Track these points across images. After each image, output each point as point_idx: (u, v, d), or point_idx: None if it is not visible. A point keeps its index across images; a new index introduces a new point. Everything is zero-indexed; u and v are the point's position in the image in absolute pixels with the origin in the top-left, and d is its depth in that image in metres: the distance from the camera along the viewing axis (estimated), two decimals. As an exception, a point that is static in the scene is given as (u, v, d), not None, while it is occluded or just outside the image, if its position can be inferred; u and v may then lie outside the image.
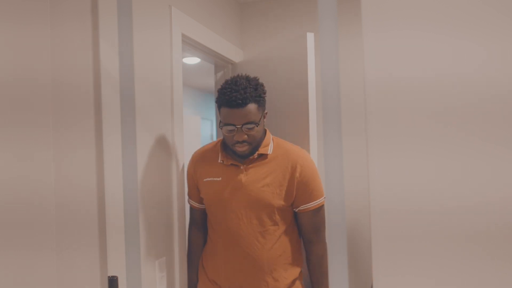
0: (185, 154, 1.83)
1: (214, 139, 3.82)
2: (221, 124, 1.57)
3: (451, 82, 0.79)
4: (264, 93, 1.61)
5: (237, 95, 1.51)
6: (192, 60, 4.44)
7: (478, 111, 0.78)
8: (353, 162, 1.83)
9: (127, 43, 1.02)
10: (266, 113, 1.65)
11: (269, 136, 1.67)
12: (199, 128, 5.69)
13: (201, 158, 1.73)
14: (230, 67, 2.58)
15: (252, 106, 1.53)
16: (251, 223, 1.59)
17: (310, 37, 1.93)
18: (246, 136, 1.54)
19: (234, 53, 2.53)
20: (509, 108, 0.77)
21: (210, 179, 1.66)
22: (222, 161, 1.64)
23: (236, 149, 1.57)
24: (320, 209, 1.62)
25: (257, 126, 1.55)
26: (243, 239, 1.60)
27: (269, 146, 1.64)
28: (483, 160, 0.78)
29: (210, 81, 4.20)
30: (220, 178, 1.64)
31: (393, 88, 0.82)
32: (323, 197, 1.63)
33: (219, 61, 2.50)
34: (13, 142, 1.26)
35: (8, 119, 1.25)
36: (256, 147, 1.60)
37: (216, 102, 1.58)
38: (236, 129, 1.54)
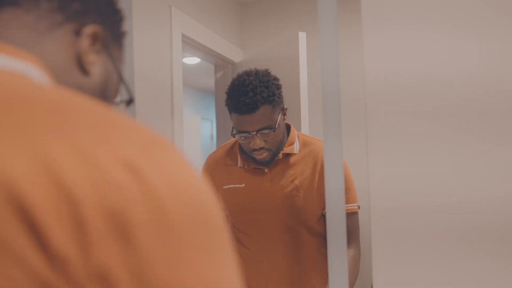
0: (185, 154, 1.82)
1: (214, 139, 3.82)
2: (234, 131, 1.38)
3: (450, 82, 0.79)
4: (279, 89, 1.39)
5: (246, 99, 1.29)
6: (192, 60, 4.44)
7: (477, 110, 0.78)
8: (353, 161, 1.83)
9: (127, 43, 1.02)
10: (286, 109, 1.43)
11: (293, 133, 1.46)
12: (199, 128, 5.70)
13: (217, 163, 1.53)
14: (230, 67, 2.58)
15: (265, 109, 1.31)
16: (282, 233, 1.42)
17: (302, 36, 1.93)
18: (263, 142, 1.34)
19: (234, 53, 2.53)
20: (508, 107, 0.77)
21: (231, 186, 1.47)
22: (243, 165, 1.46)
23: (254, 156, 1.39)
24: (351, 216, 1.42)
25: (274, 131, 1.34)
26: (274, 250, 1.42)
27: (295, 144, 1.44)
28: (482, 159, 0.78)
29: (210, 81, 4.20)
30: (243, 185, 1.45)
31: (393, 88, 0.82)
32: (355, 204, 1.45)
33: (219, 61, 2.50)
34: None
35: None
36: (278, 152, 1.40)
37: (226, 106, 1.39)
38: (250, 136, 1.34)
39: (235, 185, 1.46)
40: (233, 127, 1.38)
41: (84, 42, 0.48)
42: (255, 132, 1.33)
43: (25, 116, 0.32)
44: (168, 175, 0.33)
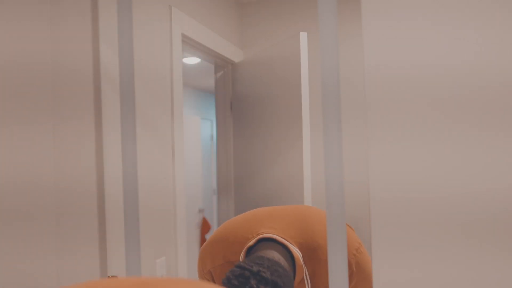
0: (185, 154, 1.83)
1: (214, 139, 3.83)
2: None
3: (451, 72, 0.79)
4: None
5: None
6: (192, 60, 4.43)
7: (477, 101, 0.78)
8: (353, 156, 1.83)
9: (127, 43, 1.03)
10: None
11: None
12: (199, 128, 5.68)
13: None
14: (230, 67, 2.59)
15: None
16: None
17: (303, 36, 1.93)
18: None
19: (234, 53, 2.53)
20: (510, 99, 0.77)
21: None
22: None
23: None
24: None
25: None
26: None
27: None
28: (481, 150, 0.78)
29: (210, 81, 4.19)
30: None
31: (393, 79, 0.81)
32: None
33: (219, 61, 2.50)
34: (14, 134, 1.26)
35: (10, 112, 1.25)
36: None
37: None
38: None
39: None
40: None
41: None
42: None
43: None
44: None
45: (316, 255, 1.22)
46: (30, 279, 1.28)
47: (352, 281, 1.24)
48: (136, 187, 1.09)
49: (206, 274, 1.42)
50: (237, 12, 2.73)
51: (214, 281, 1.36)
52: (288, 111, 2.07)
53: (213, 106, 2.92)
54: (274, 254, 1.15)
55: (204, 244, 1.51)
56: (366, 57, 0.81)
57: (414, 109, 0.81)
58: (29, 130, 1.29)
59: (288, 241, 1.22)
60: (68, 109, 1.35)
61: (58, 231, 1.35)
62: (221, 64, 2.62)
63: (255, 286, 1.01)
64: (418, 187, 0.80)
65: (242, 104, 2.51)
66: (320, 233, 1.22)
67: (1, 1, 1.23)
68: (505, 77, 0.77)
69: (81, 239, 1.35)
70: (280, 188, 1.91)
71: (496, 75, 0.77)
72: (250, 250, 1.27)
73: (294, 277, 1.17)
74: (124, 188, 1.08)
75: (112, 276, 1.35)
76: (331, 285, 0.81)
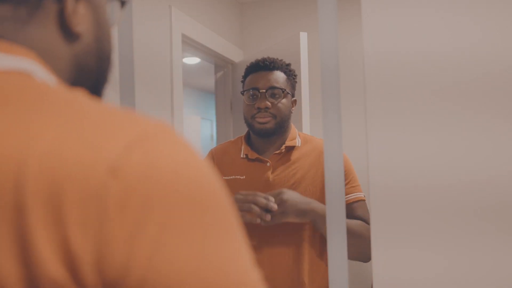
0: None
1: (214, 139, 3.83)
2: (243, 91, 1.43)
3: (449, 58, 0.79)
4: (295, 77, 1.46)
5: (266, 60, 1.40)
6: (192, 60, 4.44)
7: (477, 86, 0.78)
8: (352, 141, 1.83)
9: (127, 43, 1.03)
10: (295, 101, 1.46)
11: (294, 130, 1.47)
12: (199, 128, 5.70)
13: (221, 153, 1.51)
14: (230, 67, 2.59)
15: (280, 74, 1.39)
16: (281, 230, 1.33)
17: (303, 36, 1.94)
18: (269, 103, 1.34)
19: (234, 53, 2.54)
20: (508, 83, 0.77)
21: (232, 177, 1.43)
22: (246, 155, 1.43)
23: (256, 120, 1.37)
24: (363, 203, 1.38)
25: (283, 97, 1.37)
26: (272, 248, 1.35)
27: (296, 138, 1.44)
28: (482, 135, 0.77)
29: (210, 81, 4.20)
30: (244, 176, 1.41)
31: (392, 65, 0.81)
32: (362, 193, 1.40)
33: (219, 61, 2.50)
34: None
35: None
36: (281, 127, 1.38)
37: (243, 77, 1.46)
38: (259, 94, 1.36)
39: (236, 176, 1.43)
40: (243, 90, 1.44)
41: (69, 4, 0.43)
42: (265, 90, 1.36)
43: (27, 113, 0.34)
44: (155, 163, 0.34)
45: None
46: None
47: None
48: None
49: None
50: (237, 12, 2.73)
51: None
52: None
53: (213, 106, 2.91)
54: None
55: None
56: (365, 44, 0.81)
57: (414, 96, 0.80)
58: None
59: None
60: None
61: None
62: (221, 64, 2.62)
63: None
64: (418, 173, 0.80)
65: (242, 104, 2.50)
66: None
67: None
68: (506, 62, 0.76)
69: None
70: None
71: (496, 60, 0.77)
72: None
73: None
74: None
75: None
76: (331, 285, 0.81)
